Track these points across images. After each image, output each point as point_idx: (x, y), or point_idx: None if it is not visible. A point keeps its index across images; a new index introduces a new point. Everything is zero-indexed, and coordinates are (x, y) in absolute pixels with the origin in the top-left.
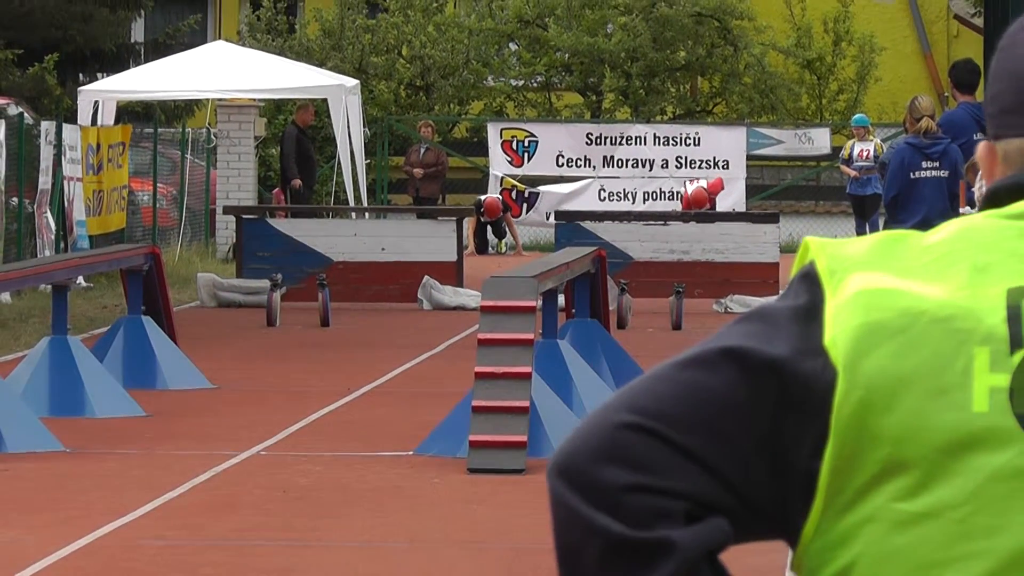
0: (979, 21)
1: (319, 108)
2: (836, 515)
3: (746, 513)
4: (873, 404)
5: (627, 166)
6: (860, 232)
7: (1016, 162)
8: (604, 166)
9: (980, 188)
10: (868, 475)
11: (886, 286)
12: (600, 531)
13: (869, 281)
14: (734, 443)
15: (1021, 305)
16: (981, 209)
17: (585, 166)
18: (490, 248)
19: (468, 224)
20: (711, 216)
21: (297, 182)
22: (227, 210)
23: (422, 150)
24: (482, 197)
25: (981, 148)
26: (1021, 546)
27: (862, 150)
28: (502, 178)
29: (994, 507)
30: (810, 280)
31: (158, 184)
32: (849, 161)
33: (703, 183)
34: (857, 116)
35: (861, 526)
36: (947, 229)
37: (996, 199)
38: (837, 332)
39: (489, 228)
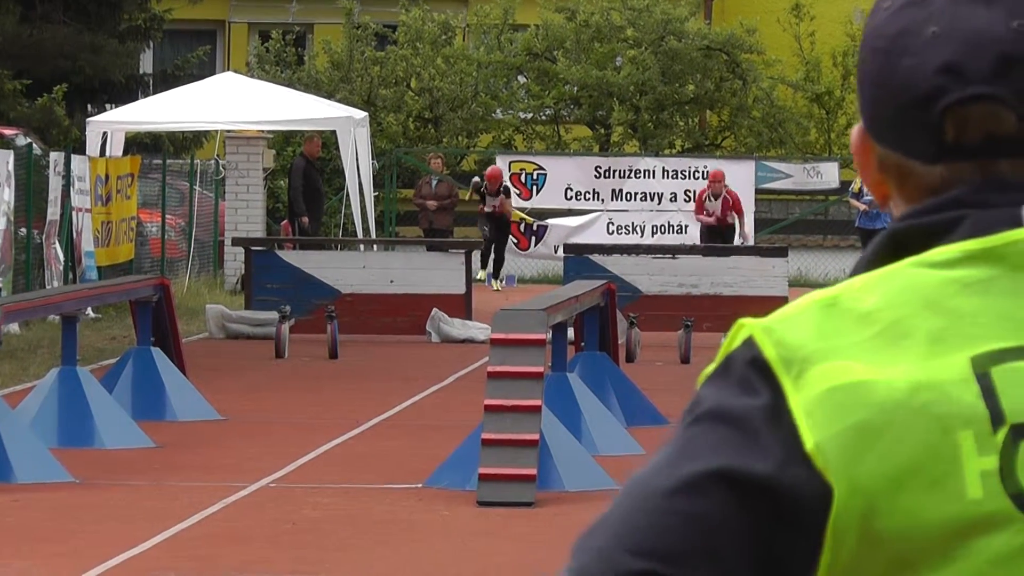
0: None
1: (328, 140)
2: None
3: None
4: (873, 510)
5: (636, 199)
6: None
7: (910, 188)
8: (613, 199)
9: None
10: None
11: (854, 379)
12: None
13: (833, 374)
14: (733, 570)
15: (990, 374)
16: (883, 250)
17: (594, 199)
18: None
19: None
20: (720, 250)
21: (305, 219)
22: (236, 242)
23: (433, 182)
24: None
25: (857, 133)
26: None
27: None
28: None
29: None
30: (761, 370)
31: (167, 215)
32: (859, 195)
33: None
34: None
35: None
36: (880, 290)
37: (902, 243)
38: (821, 439)
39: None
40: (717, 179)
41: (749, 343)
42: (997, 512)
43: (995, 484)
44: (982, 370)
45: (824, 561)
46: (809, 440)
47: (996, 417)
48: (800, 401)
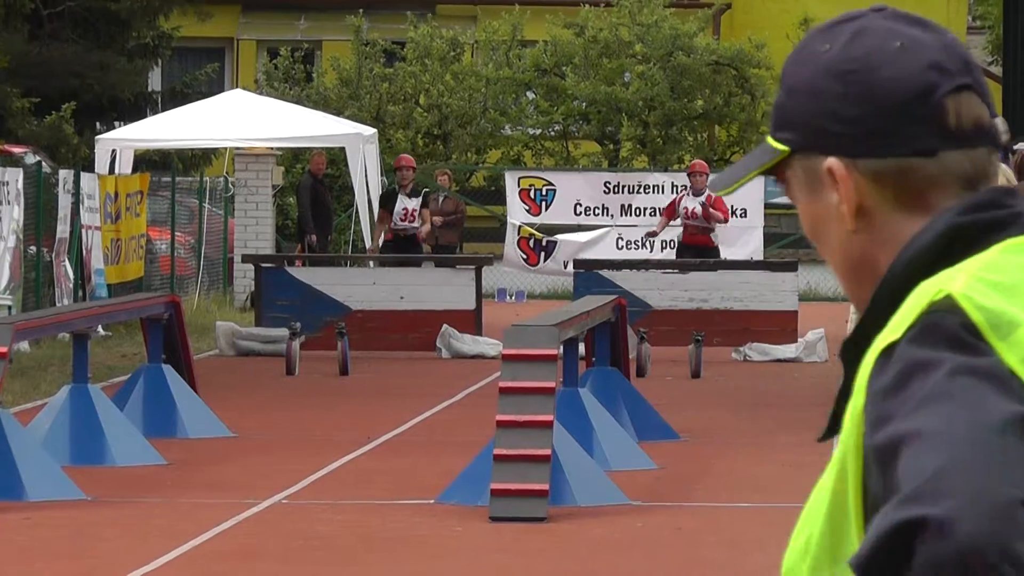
0: (997, 70)
1: (337, 157)
2: None
3: None
4: None
5: (645, 214)
6: None
7: (911, 187)
8: (622, 215)
9: None
10: None
11: None
12: None
13: None
14: None
15: None
16: (940, 243)
17: (603, 215)
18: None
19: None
20: (729, 264)
21: (313, 237)
22: (245, 259)
23: (440, 198)
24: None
25: (837, 166)
26: None
27: None
28: (520, 227)
29: None
30: (974, 334)
31: (176, 233)
32: None
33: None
34: None
35: None
36: (1001, 271)
37: (960, 237)
38: None
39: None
40: (701, 171)
41: (953, 309)
42: None
43: None
44: None
45: None
46: None
47: None
48: (1014, 358)
